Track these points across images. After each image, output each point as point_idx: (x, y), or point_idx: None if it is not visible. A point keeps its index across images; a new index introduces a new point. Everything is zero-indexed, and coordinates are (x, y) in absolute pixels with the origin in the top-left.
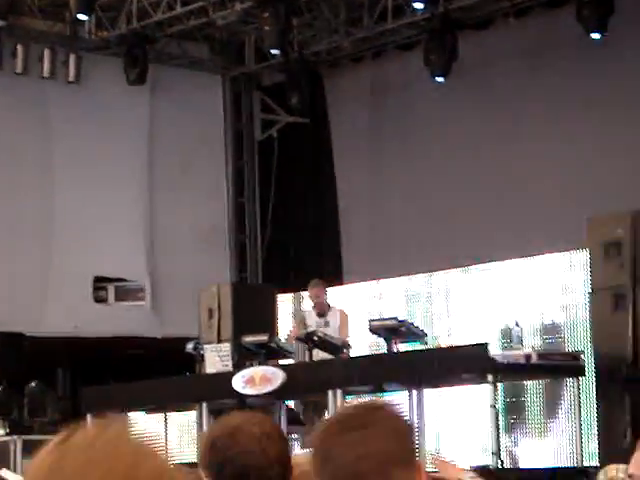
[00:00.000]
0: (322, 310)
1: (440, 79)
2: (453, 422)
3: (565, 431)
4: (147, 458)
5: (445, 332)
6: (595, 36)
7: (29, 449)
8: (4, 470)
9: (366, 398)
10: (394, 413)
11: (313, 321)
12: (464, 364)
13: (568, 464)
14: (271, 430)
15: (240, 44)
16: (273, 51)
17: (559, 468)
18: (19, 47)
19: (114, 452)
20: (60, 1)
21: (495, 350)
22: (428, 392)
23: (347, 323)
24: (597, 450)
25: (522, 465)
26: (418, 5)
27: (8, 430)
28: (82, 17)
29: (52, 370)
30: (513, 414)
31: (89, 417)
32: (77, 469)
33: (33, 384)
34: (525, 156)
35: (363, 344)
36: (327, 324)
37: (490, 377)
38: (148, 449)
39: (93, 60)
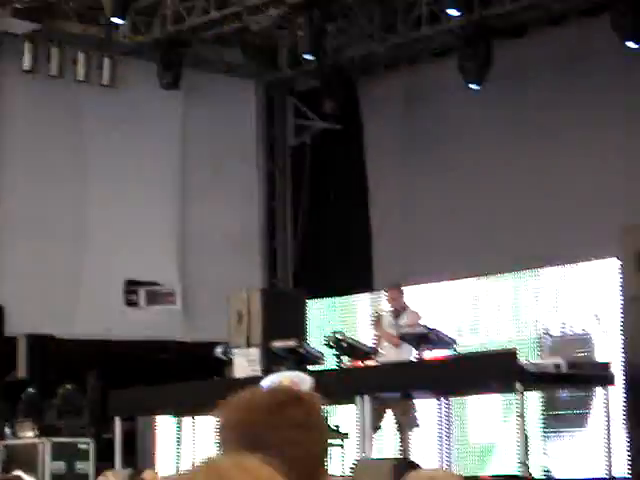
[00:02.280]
0: (397, 312)
1: (474, 86)
2: (483, 431)
3: (594, 441)
4: None
5: (474, 340)
6: (630, 45)
7: (58, 451)
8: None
9: (395, 404)
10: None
11: (388, 323)
12: (492, 372)
13: (597, 475)
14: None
15: (274, 49)
16: (307, 56)
17: (588, 479)
18: (54, 50)
19: None
20: (95, 5)
21: (524, 359)
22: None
23: (417, 324)
24: (626, 460)
25: (553, 475)
26: (453, 12)
27: (38, 432)
28: (117, 21)
29: (82, 373)
30: (544, 424)
31: (117, 420)
32: None
33: (66, 386)
34: (559, 165)
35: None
36: (399, 326)
37: (518, 386)
38: None
39: (127, 64)
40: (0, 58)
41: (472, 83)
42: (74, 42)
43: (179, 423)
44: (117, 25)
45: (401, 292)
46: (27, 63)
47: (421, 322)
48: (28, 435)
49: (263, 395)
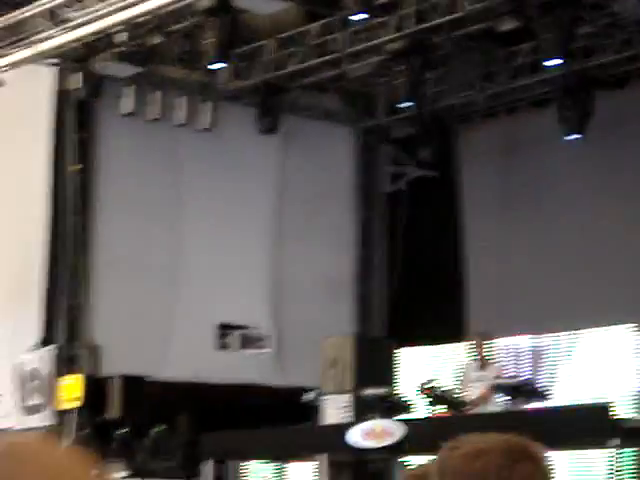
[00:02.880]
0: (482, 363)
1: (574, 136)
2: None
3: None
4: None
5: (571, 393)
6: None
7: None
8: None
9: None
10: None
11: (473, 373)
12: (584, 426)
13: None
14: None
15: (372, 96)
16: (405, 103)
17: None
18: (156, 93)
19: (42, 464)
20: (197, 49)
21: (620, 413)
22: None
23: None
24: None
25: None
26: (554, 62)
27: (130, 472)
28: (217, 66)
29: (173, 415)
30: None
31: (210, 463)
32: None
33: (158, 428)
34: None
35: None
36: (485, 378)
37: (612, 441)
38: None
39: (226, 108)
40: (102, 101)
41: (571, 134)
42: (175, 86)
43: (275, 468)
44: (218, 70)
45: (482, 342)
46: (128, 106)
47: (505, 374)
48: (120, 476)
49: (495, 446)
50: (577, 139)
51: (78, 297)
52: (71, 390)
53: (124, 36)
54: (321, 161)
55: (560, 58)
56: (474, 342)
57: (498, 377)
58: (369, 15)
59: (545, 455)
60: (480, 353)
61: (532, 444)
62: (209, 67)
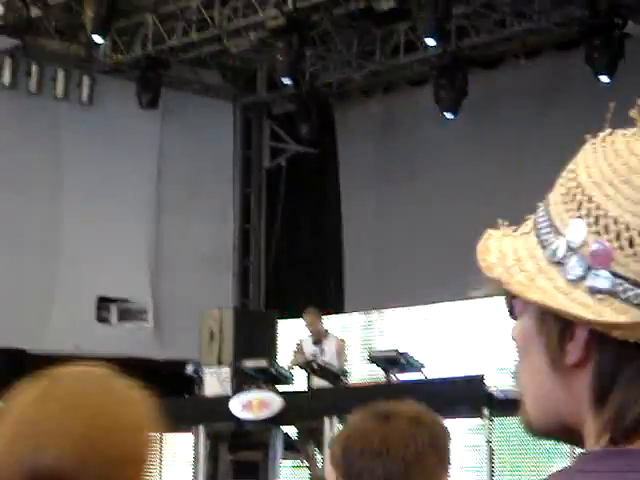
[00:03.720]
0: (318, 337)
1: (449, 115)
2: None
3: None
4: (135, 401)
5: (443, 364)
6: (604, 79)
7: None
8: None
9: None
10: None
11: (310, 348)
12: (460, 396)
13: None
14: None
15: (252, 72)
16: (285, 80)
17: None
18: (34, 67)
19: (106, 387)
20: (76, 23)
21: (492, 384)
22: None
23: (344, 351)
24: None
25: None
26: (430, 41)
27: None
28: (98, 39)
29: None
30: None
31: None
32: (70, 396)
33: None
34: (529, 196)
35: (363, 373)
36: (323, 352)
37: (486, 411)
38: (137, 393)
39: (107, 83)
40: None
41: (447, 112)
42: (54, 60)
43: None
44: (98, 44)
45: (319, 317)
46: (6, 79)
47: (345, 347)
48: None
49: (403, 412)
50: (452, 118)
51: None
52: None
53: (1, 8)
54: (202, 136)
55: (436, 38)
56: (307, 318)
57: (339, 350)
58: None
59: (443, 424)
60: (315, 327)
61: (432, 413)
62: (90, 40)
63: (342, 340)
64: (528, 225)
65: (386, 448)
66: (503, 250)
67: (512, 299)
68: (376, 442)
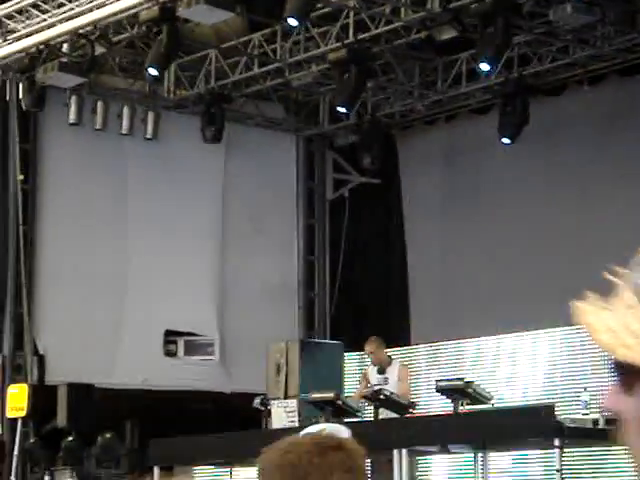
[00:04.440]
0: (380, 366)
1: (507, 140)
2: None
3: None
4: None
5: (512, 395)
6: None
7: None
8: None
9: (432, 458)
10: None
11: (374, 378)
12: (530, 426)
13: None
14: None
15: (315, 105)
16: (340, 109)
17: None
18: (99, 104)
19: None
20: (140, 60)
21: (562, 414)
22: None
23: (406, 377)
24: None
25: None
26: (484, 66)
27: None
28: (152, 72)
29: (121, 422)
30: None
31: (156, 470)
32: None
33: (105, 435)
34: (591, 224)
35: (433, 404)
36: (386, 380)
37: (556, 441)
38: None
39: (171, 118)
40: (46, 111)
41: (508, 140)
42: (119, 96)
43: (219, 473)
44: (161, 80)
45: (381, 346)
46: (72, 116)
47: (408, 374)
48: None
49: (307, 440)
50: (514, 145)
51: (23, 307)
52: (16, 399)
53: (66, 47)
54: (265, 169)
55: (487, 62)
56: (369, 347)
57: (402, 376)
58: (310, 25)
59: (358, 447)
60: (378, 357)
61: (344, 438)
62: (147, 72)
63: (405, 366)
64: (626, 294)
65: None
66: (612, 327)
67: (627, 373)
68: (298, 475)
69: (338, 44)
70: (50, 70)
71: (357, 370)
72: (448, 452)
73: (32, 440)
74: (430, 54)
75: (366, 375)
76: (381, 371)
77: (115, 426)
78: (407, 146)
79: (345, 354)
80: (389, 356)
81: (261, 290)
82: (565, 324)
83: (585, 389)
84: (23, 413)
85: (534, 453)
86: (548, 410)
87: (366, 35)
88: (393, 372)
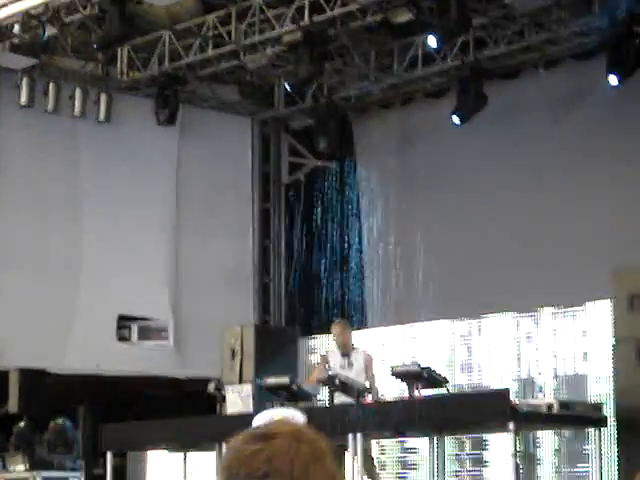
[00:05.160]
0: (346, 350)
1: (457, 120)
2: (474, 471)
3: None
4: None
5: (466, 380)
6: (612, 81)
7: None
8: None
9: (386, 442)
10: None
11: (337, 361)
12: (485, 411)
13: None
14: None
15: (270, 88)
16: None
17: None
18: (51, 85)
19: None
20: (93, 41)
21: (517, 399)
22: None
23: (372, 364)
24: None
25: None
26: (431, 40)
27: (28, 466)
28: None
29: (74, 407)
30: (530, 465)
31: (109, 454)
32: None
33: (58, 421)
34: (548, 206)
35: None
36: (351, 365)
37: (511, 425)
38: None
39: (124, 100)
40: None
41: (458, 119)
42: (71, 78)
43: (172, 459)
44: (114, 62)
45: (348, 329)
46: (24, 98)
47: (373, 362)
48: (19, 469)
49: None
50: (469, 128)
51: None
52: None
53: (17, 28)
54: (220, 152)
55: (438, 39)
56: (336, 329)
57: (367, 364)
58: (265, 7)
59: (325, 442)
60: (344, 340)
61: (312, 429)
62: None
63: (369, 355)
64: None
65: (272, 468)
66: None
67: None
68: (260, 464)
69: (293, 26)
70: (1, 51)
71: (311, 356)
72: (404, 437)
73: None
74: (386, 37)
75: (326, 358)
76: (345, 354)
77: (68, 411)
78: (363, 129)
79: (300, 339)
80: (352, 343)
81: (216, 274)
82: (520, 309)
83: (539, 373)
84: None
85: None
86: (502, 395)
87: (322, 17)
88: (358, 359)
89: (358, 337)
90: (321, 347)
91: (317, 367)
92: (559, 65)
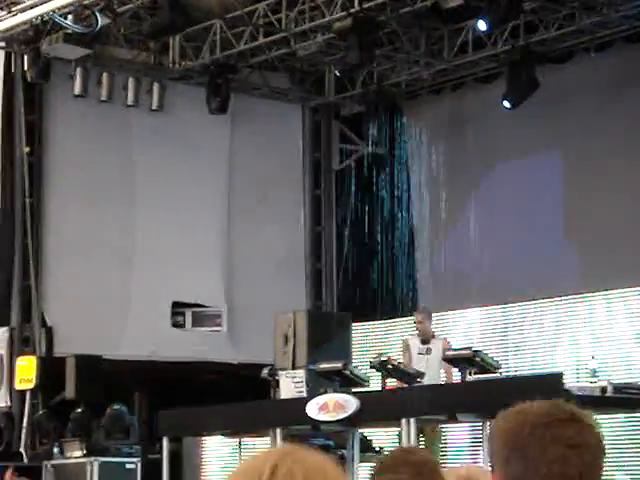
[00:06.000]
0: (426, 337)
1: (507, 104)
2: None
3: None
4: None
5: (520, 364)
6: None
7: (105, 471)
8: None
9: (440, 426)
10: None
11: (416, 347)
12: (538, 394)
13: None
14: None
15: (320, 75)
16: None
17: None
18: (104, 75)
19: None
20: (143, 31)
21: (570, 382)
22: None
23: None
24: None
25: None
26: (482, 25)
27: (85, 452)
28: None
29: (129, 393)
30: None
31: (165, 440)
32: None
33: (114, 407)
34: (594, 190)
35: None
36: (429, 351)
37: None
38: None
39: (176, 89)
40: (52, 83)
41: (508, 103)
42: (124, 68)
43: (228, 444)
44: (167, 51)
45: (429, 316)
46: (78, 88)
47: (452, 347)
48: (76, 455)
49: (536, 409)
50: (520, 113)
51: (31, 279)
52: (24, 371)
53: (70, 18)
54: (271, 139)
55: (492, 27)
56: (419, 316)
57: (445, 350)
58: None
59: (593, 419)
60: (424, 327)
61: (577, 410)
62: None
63: (449, 342)
64: None
65: None
66: None
67: None
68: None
69: (343, 13)
70: (55, 42)
71: (364, 341)
72: (456, 421)
73: (41, 412)
74: (436, 22)
75: (407, 345)
76: (425, 341)
77: (123, 397)
78: (413, 115)
79: (352, 324)
80: (433, 331)
81: (268, 261)
82: (573, 293)
83: (593, 357)
84: (32, 385)
85: None
86: (556, 378)
87: (371, 4)
88: (437, 346)
89: (408, 323)
90: (373, 332)
91: (403, 354)
92: (610, 48)
